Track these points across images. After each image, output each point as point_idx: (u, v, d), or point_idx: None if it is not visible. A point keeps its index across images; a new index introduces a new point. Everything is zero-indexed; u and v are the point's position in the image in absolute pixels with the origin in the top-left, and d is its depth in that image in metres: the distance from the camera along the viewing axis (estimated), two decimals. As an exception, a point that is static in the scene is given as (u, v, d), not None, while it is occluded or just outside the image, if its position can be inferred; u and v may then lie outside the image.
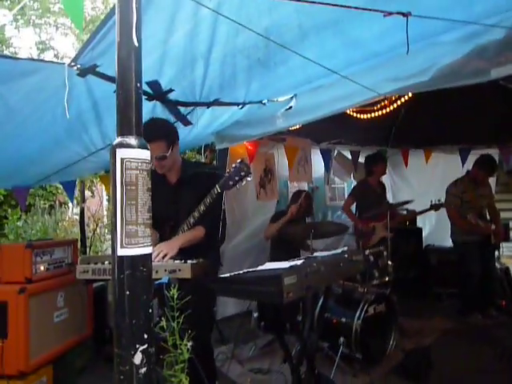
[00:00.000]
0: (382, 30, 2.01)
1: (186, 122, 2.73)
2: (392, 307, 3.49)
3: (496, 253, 4.83)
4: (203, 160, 4.52)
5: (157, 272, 1.72)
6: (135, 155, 1.06)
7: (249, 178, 2.13)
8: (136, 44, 1.09)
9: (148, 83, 2.09)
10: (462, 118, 4.43)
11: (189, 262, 1.84)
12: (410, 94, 3.30)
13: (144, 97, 2.25)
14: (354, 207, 4.91)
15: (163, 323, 1.26)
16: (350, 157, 5.63)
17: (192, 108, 2.57)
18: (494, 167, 4.53)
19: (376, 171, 4.65)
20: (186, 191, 2.34)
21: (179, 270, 1.74)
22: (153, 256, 2.05)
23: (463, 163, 5.83)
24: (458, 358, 3.46)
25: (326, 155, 5.26)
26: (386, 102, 3.46)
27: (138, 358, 1.05)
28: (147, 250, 1.07)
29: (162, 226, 2.41)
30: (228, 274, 1.73)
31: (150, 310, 1.07)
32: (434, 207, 4.52)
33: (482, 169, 4.44)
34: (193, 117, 2.70)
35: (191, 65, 2.02)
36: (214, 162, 4.40)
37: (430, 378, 3.09)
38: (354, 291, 3.45)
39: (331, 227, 4.19)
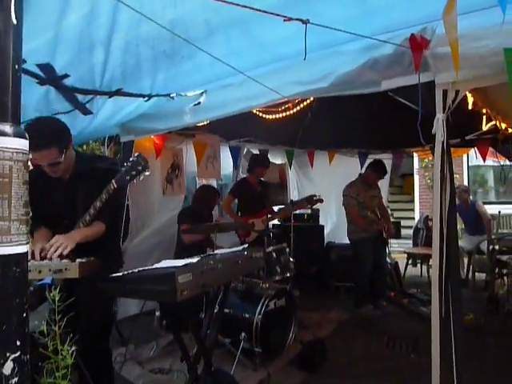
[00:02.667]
0: (287, 35, 2.07)
1: (85, 111, 2.57)
2: (292, 301, 3.63)
3: (387, 249, 5.30)
4: (107, 153, 4.28)
5: (40, 272, 1.58)
6: (10, 144, 0.96)
7: (147, 173, 2.05)
8: (15, 22, 0.99)
9: (39, 66, 1.92)
10: (360, 124, 4.78)
11: (77, 260, 1.72)
12: (312, 99, 3.46)
13: (35, 80, 2.07)
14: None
15: (43, 328, 1.16)
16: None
17: (91, 96, 2.42)
18: (385, 171, 4.99)
19: (256, 172, 4.78)
20: (80, 187, 2.18)
21: (66, 269, 1.62)
22: (52, 249, 1.87)
23: (361, 166, 6.33)
24: (351, 347, 3.72)
25: (235, 152, 5.32)
26: (290, 104, 3.59)
27: (8, 368, 0.96)
28: (22, 249, 0.98)
29: (57, 225, 2.22)
30: (121, 274, 1.66)
31: (24, 314, 0.99)
32: (309, 202, 4.79)
33: (374, 172, 4.85)
34: (93, 106, 2.55)
35: (89, 50, 1.90)
36: (119, 155, 4.20)
37: (324, 367, 3.28)
38: (256, 287, 3.53)
39: (234, 226, 4.25)
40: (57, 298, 1.14)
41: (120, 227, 2.51)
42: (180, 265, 1.57)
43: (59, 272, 1.59)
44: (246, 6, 1.56)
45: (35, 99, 2.32)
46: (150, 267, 1.68)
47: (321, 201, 4.82)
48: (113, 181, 2.01)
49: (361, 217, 4.74)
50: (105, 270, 1.88)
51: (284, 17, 1.60)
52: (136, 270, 1.65)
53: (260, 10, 1.57)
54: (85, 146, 5.73)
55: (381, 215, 4.99)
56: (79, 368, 1.58)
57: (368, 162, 5.54)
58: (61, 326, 1.16)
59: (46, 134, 1.99)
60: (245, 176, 4.98)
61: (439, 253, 1.90)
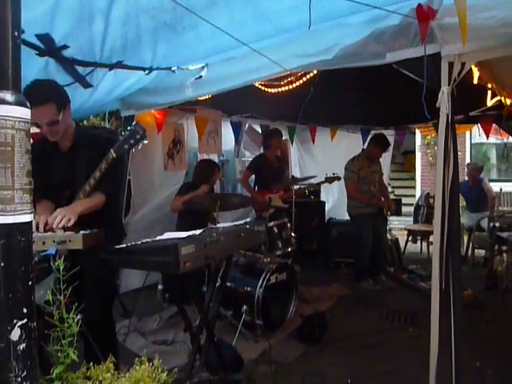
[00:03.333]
0: (292, 5, 2.03)
1: (86, 84, 2.53)
2: (293, 276, 3.67)
3: (387, 225, 5.33)
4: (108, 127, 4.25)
5: (44, 243, 1.59)
6: (11, 112, 0.94)
7: (145, 141, 2.05)
8: (13, -13, 0.96)
9: (38, 36, 1.88)
10: (363, 100, 4.72)
11: (81, 232, 1.73)
12: (316, 72, 3.41)
13: (34, 52, 2.03)
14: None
15: (49, 296, 1.17)
16: (260, 130, 5.72)
17: (92, 69, 2.38)
18: (388, 144, 4.99)
19: (272, 145, 4.86)
20: (80, 158, 2.17)
21: (70, 240, 1.63)
22: (55, 222, 1.89)
23: (364, 142, 6.30)
24: (351, 321, 3.79)
25: (237, 128, 5.29)
26: (293, 77, 3.54)
27: (15, 334, 0.97)
28: (26, 218, 0.98)
29: (58, 197, 2.23)
30: (124, 245, 1.67)
31: (30, 283, 1.00)
32: (328, 180, 4.87)
33: (377, 146, 4.83)
34: (93, 79, 2.51)
35: (89, 20, 1.86)
36: (120, 130, 4.17)
37: (324, 340, 3.34)
38: (258, 261, 3.56)
39: (237, 199, 4.25)
40: (61, 268, 1.15)
41: (121, 197, 2.51)
42: (183, 237, 1.59)
43: (63, 243, 1.60)
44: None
45: (35, 71, 2.28)
46: (154, 239, 1.70)
47: (338, 178, 4.87)
48: (111, 150, 2.01)
49: (360, 191, 4.76)
50: (108, 241, 1.90)
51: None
52: (139, 242, 1.67)
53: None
54: (85, 122, 5.68)
55: (380, 192, 4.99)
56: (84, 337, 1.60)
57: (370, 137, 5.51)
58: (66, 294, 1.18)
59: (42, 90, 2.00)
60: (262, 152, 5.06)
61: (440, 228, 1.91)
